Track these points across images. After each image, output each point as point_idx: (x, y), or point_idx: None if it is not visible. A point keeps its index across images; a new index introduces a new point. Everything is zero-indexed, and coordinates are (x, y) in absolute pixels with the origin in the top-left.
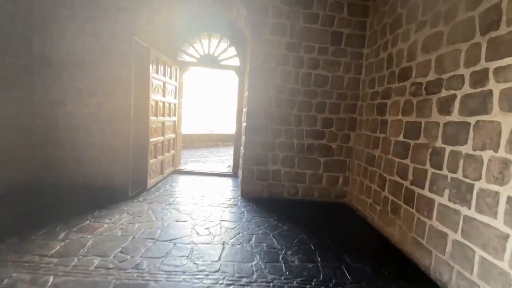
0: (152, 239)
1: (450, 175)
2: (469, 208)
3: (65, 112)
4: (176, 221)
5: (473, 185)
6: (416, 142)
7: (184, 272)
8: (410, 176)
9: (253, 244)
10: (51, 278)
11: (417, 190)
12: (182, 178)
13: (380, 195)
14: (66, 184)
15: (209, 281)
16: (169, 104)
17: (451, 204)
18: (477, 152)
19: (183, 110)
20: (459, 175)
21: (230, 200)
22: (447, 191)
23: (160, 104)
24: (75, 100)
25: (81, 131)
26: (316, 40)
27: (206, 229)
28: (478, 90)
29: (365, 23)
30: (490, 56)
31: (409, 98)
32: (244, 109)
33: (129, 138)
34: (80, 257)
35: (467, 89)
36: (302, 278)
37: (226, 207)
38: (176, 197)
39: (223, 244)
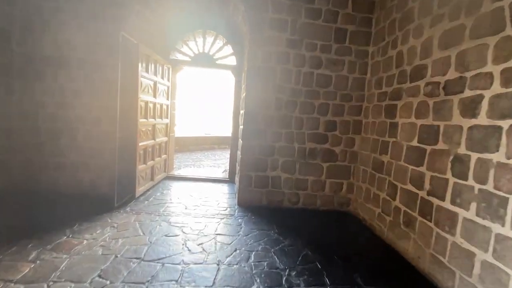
0: (137, 258)
1: (477, 186)
2: (503, 226)
3: (47, 113)
4: (166, 235)
5: (507, 198)
6: (433, 147)
7: None
8: (427, 186)
9: (252, 264)
10: None
11: (436, 201)
12: (174, 185)
13: (390, 205)
14: (46, 192)
15: None
16: (161, 105)
17: (479, 220)
18: None
19: (177, 112)
20: (489, 186)
21: (226, 209)
22: (474, 205)
23: (151, 105)
24: (58, 100)
25: (65, 134)
26: (318, 37)
27: (199, 245)
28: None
29: (370, 20)
30: None
31: (424, 99)
32: (241, 111)
33: (115, 142)
34: (51, 283)
35: (497, 88)
36: None
37: (221, 218)
38: (167, 206)
39: (218, 264)
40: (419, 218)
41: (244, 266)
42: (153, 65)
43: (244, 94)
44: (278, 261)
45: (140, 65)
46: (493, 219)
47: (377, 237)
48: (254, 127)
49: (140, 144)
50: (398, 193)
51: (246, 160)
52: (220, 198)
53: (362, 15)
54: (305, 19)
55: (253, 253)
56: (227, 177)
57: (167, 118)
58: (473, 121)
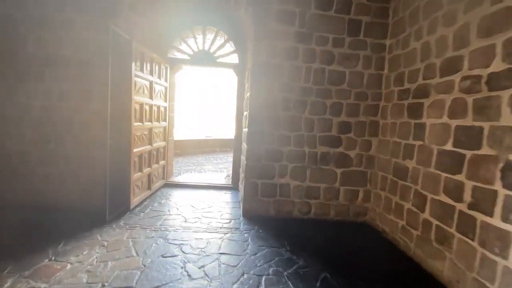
0: None
1: None
2: None
3: (32, 117)
4: (163, 256)
5: None
6: (475, 153)
7: None
8: (468, 198)
9: None
10: None
11: (481, 217)
12: (173, 193)
13: (417, 217)
14: (32, 205)
15: None
16: (158, 107)
17: None
18: None
19: (176, 114)
20: None
21: (230, 222)
22: None
23: (147, 107)
24: (44, 103)
25: (52, 140)
26: (330, 30)
27: (200, 268)
28: None
29: (387, 9)
30: None
31: (461, 96)
32: (245, 113)
33: (106, 149)
34: None
35: None
36: None
37: (225, 233)
38: (165, 219)
39: None
40: (457, 235)
41: None
42: (149, 64)
43: (248, 94)
44: None
45: (133, 63)
46: None
47: (402, 253)
48: (260, 130)
49: (134, 150)
50: (428, 205)
51: (251, 166)
52: (223, 208)
53: (377, 4)
54: (315, 10)
55: (264, 278)
56: (230, 183)
57: (165, 121)
58: None
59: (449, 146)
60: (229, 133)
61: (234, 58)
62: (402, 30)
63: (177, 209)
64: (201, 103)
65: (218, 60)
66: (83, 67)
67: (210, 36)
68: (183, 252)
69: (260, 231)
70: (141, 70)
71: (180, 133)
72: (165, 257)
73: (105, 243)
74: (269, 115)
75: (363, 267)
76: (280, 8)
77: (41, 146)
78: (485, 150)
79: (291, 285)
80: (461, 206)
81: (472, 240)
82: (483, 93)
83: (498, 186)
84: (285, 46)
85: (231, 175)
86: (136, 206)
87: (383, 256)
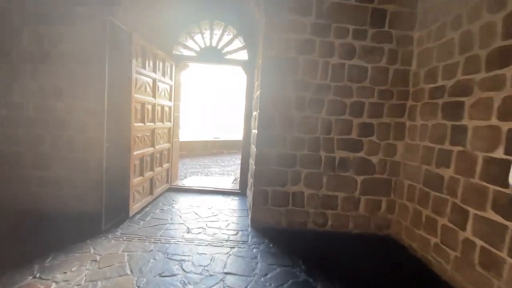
0: None
1: None
2: None
3: (25, 117)
4: (160, 275)
5: None
6: None
7: None
8: None
9: None
10: None
11: None
12: (177, 199)
13: (456, 235)
14: (23, 211)
15: None
16: (162, 107)
17: None
18: None
19: (181, 115)
20: None
21: (237, 233)
22: None
23: (149, 106)
24: (38, 102)
25: (46, 142)
26: (351, 21)
27: None
28: None
29: None
30: None
31: None
32: (255, 113)
33: (103, 151)
34: None
35: None
36: None
37: (232, 247)
38: (166, 229)
39: None
40: (510, 261)
41: None
42: (152, 60)
43: (258, 93)
44: None
45: (134, 59)
46: None
47: (435, 275)
48: (271, 132)
49: (135, 152)
50: (470, 222)
51: (261, 172)
52: (230, 217)
53: None
54: None
55: None
56: (238, 188)
57: (170, 121)
58: None
59: (499, 154)
60: (237, 135)
61: (244, 55)
62: (435, 20)
63: (180, 217)
64: (209, 103)
65: (226, 57)
66: (78, 63)
67: (217, 32)
68: (183, 270)
69: (271, 245)
70: (143, 66)
71: (186, 134)
72: (163, 276)
73: (98, 257)
74: (281, 115)
75: None
76: None
77: (34, 147)
78: None
79: None
80: None
81: None
82: None
83: None
84: (300, 39)
85: (238, 179)
86: (137, 213)
87: (415, 279)
